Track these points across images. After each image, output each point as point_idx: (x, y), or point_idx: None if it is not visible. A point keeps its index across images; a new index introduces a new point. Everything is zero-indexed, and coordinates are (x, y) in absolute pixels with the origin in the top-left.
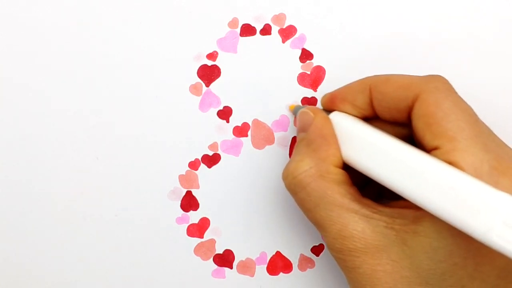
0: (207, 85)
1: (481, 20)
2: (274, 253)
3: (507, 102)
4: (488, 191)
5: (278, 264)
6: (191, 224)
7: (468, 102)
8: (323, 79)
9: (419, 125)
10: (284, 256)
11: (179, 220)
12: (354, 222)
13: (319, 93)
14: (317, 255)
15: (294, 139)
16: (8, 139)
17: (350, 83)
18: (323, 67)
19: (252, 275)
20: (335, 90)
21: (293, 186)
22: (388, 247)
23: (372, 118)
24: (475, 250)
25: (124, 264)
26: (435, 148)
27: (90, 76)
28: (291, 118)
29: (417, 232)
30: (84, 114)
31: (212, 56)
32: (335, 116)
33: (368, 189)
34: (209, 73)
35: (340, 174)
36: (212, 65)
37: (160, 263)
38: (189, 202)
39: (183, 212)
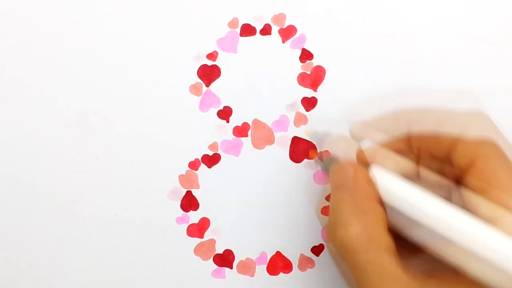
0: (207, 85)
1: (481, 20)
2: (274, 253)
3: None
4: None
5: (278, 264)
6: (191, 224)
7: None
8: (323, 79)
9: (475, 190)
10: (284, 256)
11: (179, 220)
12: None
13: (319, 93)
14: (317, 255)
15: (294, 139)
16: (8, 139)
17: (383, 115)
18: (323, 67)
19: (252, 275)
20: (369, 122)
21: (342, 251)
22: None
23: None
24: None
25: (124, 264)
26: (492, 220)
27: (90, 76)
28: (291, 118)
29: None
30: (84, 114)
31: (212, 56)
32: (377, 174)
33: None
34: (209, 73)
35: (389, 240)
36: (212, 65)
37: (160, 263)
38: (189, 202)
39: (183, 212)
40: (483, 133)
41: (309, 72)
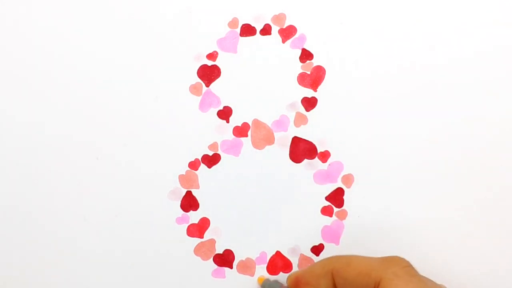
0: (207, 85)
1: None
2: (274, 253)
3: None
4: None
5: (278, 264)
6: (191, 224)
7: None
8: (323, 79)
9: None
10: (284, 256)
11: (179, 220)
12: None
13: (319, 93)
14: (317, 255)
15: (294, 139)
16: (8, 139)
17: (313, 265)
18: (323, 67)
19: (252, 275)
20: (300, 272)
21: None
22: None
23: None
24: None
25: (124, 264)
26: None
27: (90, 76)
28: (291, 118)
29: None
30: (84, 114)
31: (212, 56)
32: None
33: None
34: (209, 73)
35: None
36: (212, 65)
37: (160, 263)
38: (189, 202)
39: (183, 212)
40: (399, 280)
41: (309, 72)
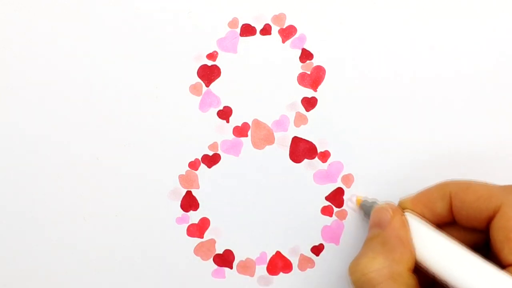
0: (207, 85)
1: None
2: (274, 253)
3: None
4: None
5: (278, 264)
6: (191, 224)
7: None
8: (323, 79)
9: (498, 238)
10: (284, 256)
11: (179, 220)
12: None
13: (319, 93)
14: (317, 255)
15: (294, 139)
16: (9, 139)
17: (429, 188)
18: (323, 67)
19: (252, 275)
20: (415, 195)
21: (361, 283)
22: None
23: (450, 223)
24: None
25: (124, 264)
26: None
27: (90, 76)
28: (291, 118)
29: None
30: (84, 114)
31: (212, 56)
32: (411, 219)
33: None
34: (209, 73)
35: (412, 278)
36: (212, 65)
37: (160, 263)
38: (189, 202)
39: (183, 212)
40: None
41: (309, 72)
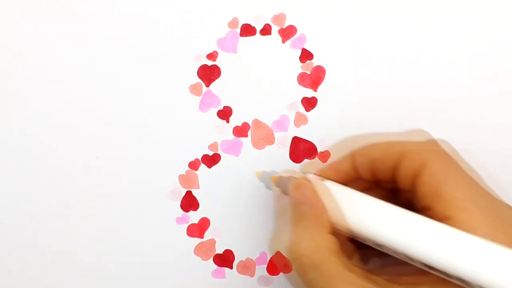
0: (207, 85)
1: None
2: (274, 253)
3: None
4: (495, 248)
5: (278, 264)
6: (191, 224)
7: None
8: (323, 79)
9: (427, 193)
10: (284, 256)
11: (179, 220)
12: None
13: (319, 93)
14: None
15: (294, 139)
16: (8, 139)
17: (341, 156)
18: (323, 67)
19: (252, 275)
20: (329, 164)
21: (293, 261)
22: None
23: (354, 180)
24: None
25: (124, 264)
26: (447, 218)
27: (90, 76)
28: (291, 118)
29: None
30: (84, 114)
31: (212, 56)
32: (332, 186)
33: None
34: (209, 73)
35: (334, 243)
36: (212, 65)
37: (160, 263)
38: (189, 202)
39: (183, 212)
40: (446, 159)
41: (309, 72)
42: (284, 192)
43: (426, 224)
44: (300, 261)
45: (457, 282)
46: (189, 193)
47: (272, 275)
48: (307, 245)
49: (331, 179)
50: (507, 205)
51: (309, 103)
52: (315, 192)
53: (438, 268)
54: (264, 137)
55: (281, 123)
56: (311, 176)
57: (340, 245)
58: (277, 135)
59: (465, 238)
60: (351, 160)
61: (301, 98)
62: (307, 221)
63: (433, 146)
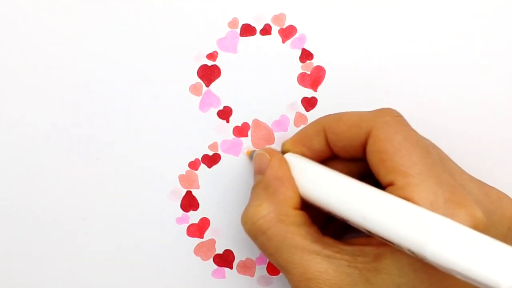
0: (207, 85)
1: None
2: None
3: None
4: (428, 215)
5: None
6: (191, 224)
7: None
8: (323, 79)
9: (373, 161)
10: None
11: (179, 220)
12: (316, 263)
13: (319, 93)
14: None
15: None
16: (8, 139)
17: (305, 127)
18: (323, 67)
19: (252, 275)
20: (293, 136)
21: (253, 232)
22: (352, 286)
23: (331, 158)
24: (437, 283)
25: (124, 264)
26: (390, 184)
27: (90, 76)
28: (291, 118)
29: (379, 270)
30: (84, 114)
31: (212, 56)
32: (290, 157)
33: (330, 228)
34: (209, 73)
35: (299, 215)
36: (212, 65)
37: (160, 263)
38: (189, 202)
39: (183, 212)
40: (390, 127)
41: (309, 72)
42: None
43: (361, 190)
44: (249, 227)
45: (398, 247)
46: (189, 193)
47: (272, 275)
48: (255, 211)
49: (309, 157)
50: (475, 180)
51: (309, 103)
52: (270, 161)
53: (373, 233)
54: (264, 137)
55: (281, 123)
56: (276, 152)
57: (309, 216)
58: (277, 135)
59: (385, 199)
60: (323, 137)
61: (301, 98)
62: (259, 189)
63: (379, 115)
